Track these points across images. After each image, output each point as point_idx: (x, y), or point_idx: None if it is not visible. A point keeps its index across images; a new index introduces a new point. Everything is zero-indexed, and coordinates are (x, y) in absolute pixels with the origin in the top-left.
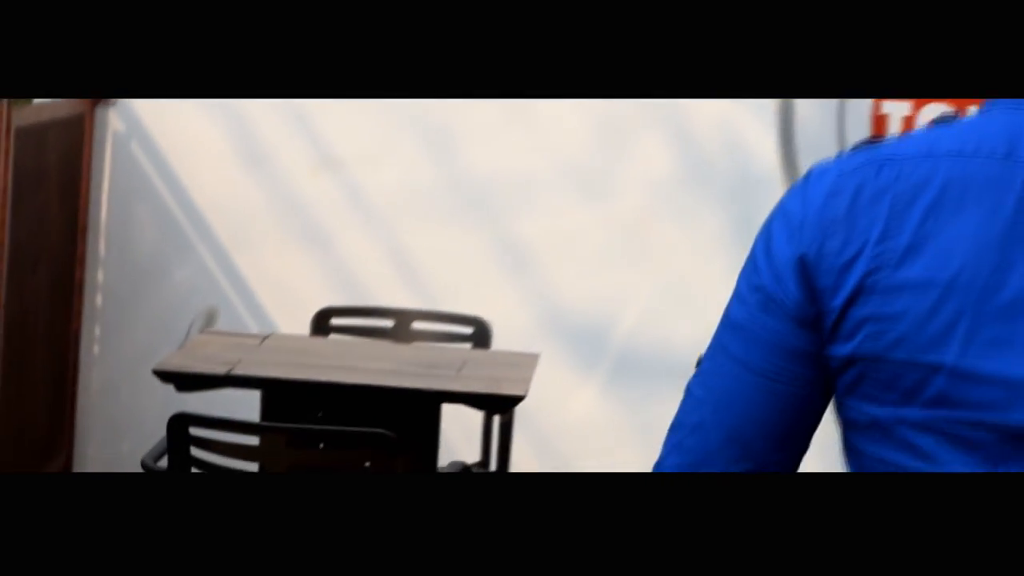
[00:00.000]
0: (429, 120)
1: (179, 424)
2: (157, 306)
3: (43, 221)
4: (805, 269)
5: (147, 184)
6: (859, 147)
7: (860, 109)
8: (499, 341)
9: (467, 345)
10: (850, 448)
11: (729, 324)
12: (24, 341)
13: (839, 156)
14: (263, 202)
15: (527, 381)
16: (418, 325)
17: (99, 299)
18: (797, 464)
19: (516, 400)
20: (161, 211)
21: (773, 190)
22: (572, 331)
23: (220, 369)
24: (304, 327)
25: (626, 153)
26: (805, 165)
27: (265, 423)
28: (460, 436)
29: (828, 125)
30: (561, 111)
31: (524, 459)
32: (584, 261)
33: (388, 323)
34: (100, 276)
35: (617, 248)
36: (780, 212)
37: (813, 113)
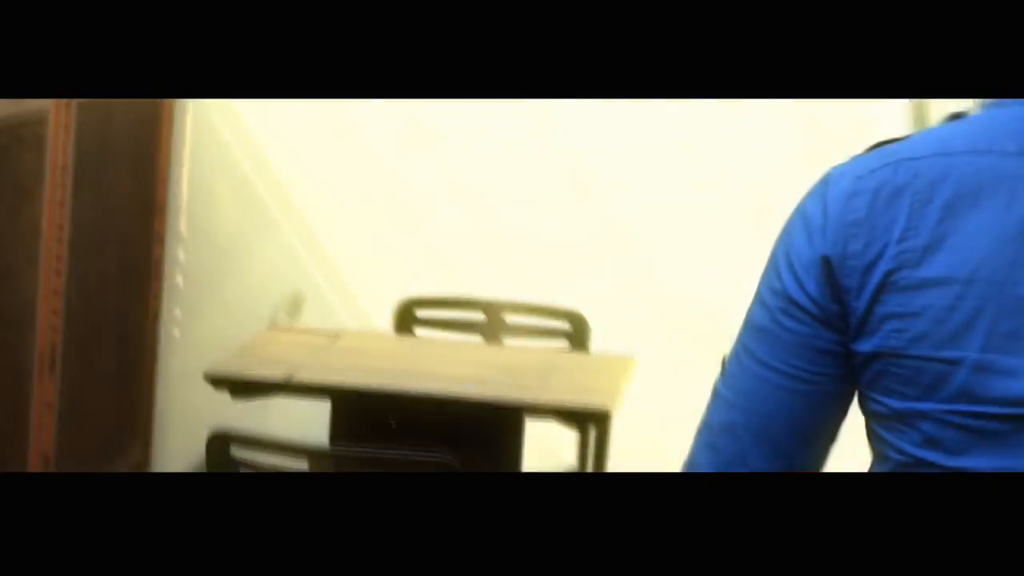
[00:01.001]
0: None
1: (219, 444)
2: (240, 288)
3: (110, 199)
4: (829, 270)
5: (228, 158)
6: (875, 147)
7: None
8: (600, 335)
9: (563, 342)
10: (874, 438)
11: (752, 327)
12: (89, 327)
13: (856, 158)
14: (352, 178)
15: (620, 392)
16: (511, 318)
17: (179, 279)
18: (827, 455)
19: (605, 415)
20: (243, 186)
21: None
22: (683, 325)
23: (279, 374)
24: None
25: (743, 125)
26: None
27: (312, 446)
28: (552, 446)
29: None
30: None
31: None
32: (697, 246)
33: (478, 316)
34: (181, 255)
35: (734, 231)
36: (799, 216)
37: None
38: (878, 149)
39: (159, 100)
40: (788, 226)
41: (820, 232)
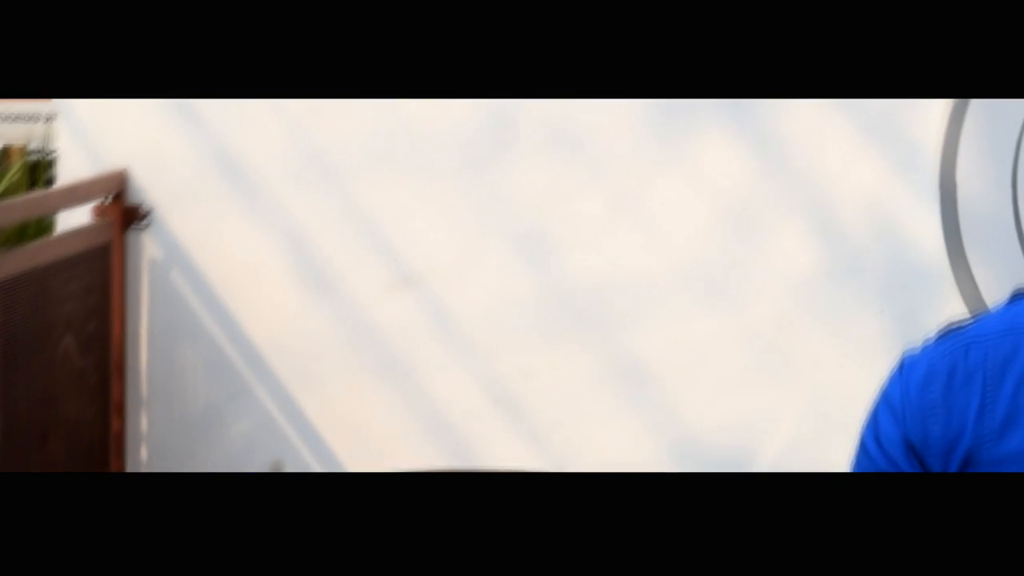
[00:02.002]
0: (520, 223)
1: None
2: (213, 463)
3: (53, 380)
4: (915, 453)
5: (193, 319)
6: (944, 332)
7: None
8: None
9: None
10: None
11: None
12: None
13: (927, 342)
14: (330, 332)
15: None
16: None
17: (144, 453)
18: None
19: None
20: (211, 351)
21: (937, 283)
22: (704, 465)
23: None
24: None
25: (758, 248)
26: (975, 252)
27: None
28: None
29: (1000, 203)
30: (678, 200)
31: None
32: (714, 380)
33: None
34: (144, 426)
35: (753, 363)
36: (884, 399)
37: (980, 189)
38: (949, 333)
39: (113, 254)
40: (874, 411)
41: (902, 416)
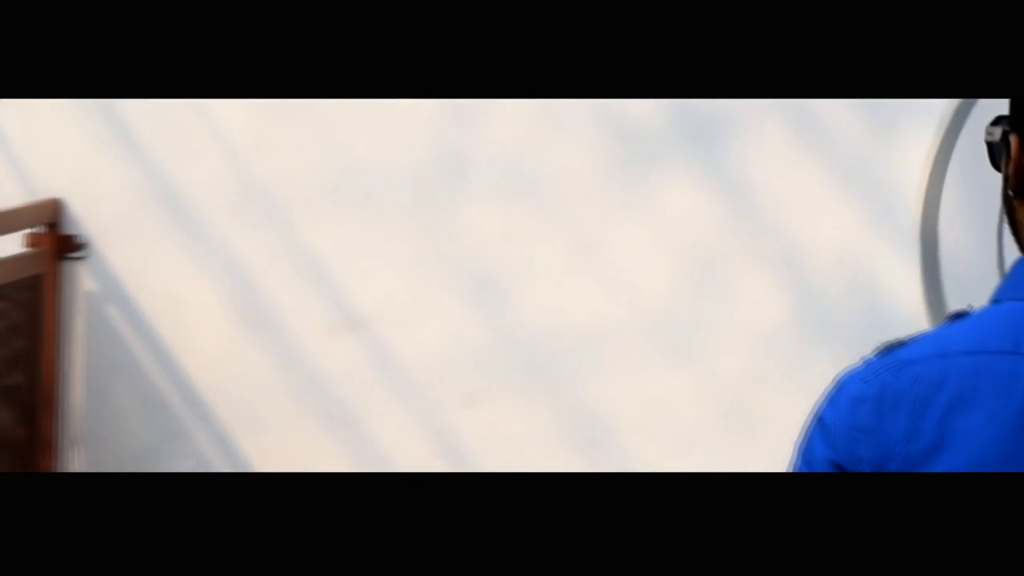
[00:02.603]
0: (472, 265)
1: None
2: None
3: None
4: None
5: (129, 356)
6: (883, 349)
7: None
8: None
9: None
10: None
11: None
12: None
13: (865, 360)
14: (272, 374)
15: None
16: None
17: None
18: None
19: None
20: (147, 390)
21: None
22: None
23: None
24: None
25: (724, 298)
26: (957, 306)
27: None
28: None
29: (985, 254)
30: (640, 245)
31: None
32: (675, 438)
33: None
34: (76, 468)
35: (716, 419)
36: (816, 418)
37: (964, 239)
38: (887, 351)
39: (44, 286)
40: (807, 426)
41: (831, 436)
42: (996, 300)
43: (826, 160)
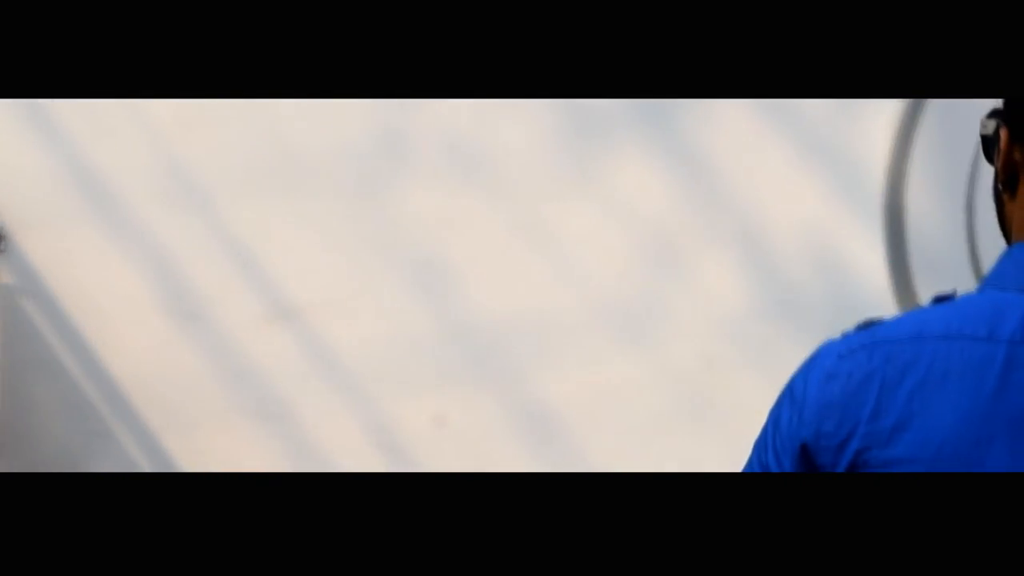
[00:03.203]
0: (414, 250)
1: None
2: None
3: None
4: (806, 451)
5: (48, 354)
6: (863, 326)
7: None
8: None
9: None
10: None
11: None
12: None
13: (844, 334)
14: (200, 368)
15: None
16: None
17: None
18: None
19: None
20: (69, 388)
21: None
22: None
23: None
24: None
25: (683, 282)
26: (925, 285)
27: None
28: None
29: (953, 229)
30: (592, 226)
31: None
32: (632, 430)
33: None
34: None
35: (675, 409)
36: (788, 390)
37: (931, 213)
38: (866, 328)
39: None
40: (780, 397)
41: (801, 410)
42: (981, 288)
43: (787, 134)
